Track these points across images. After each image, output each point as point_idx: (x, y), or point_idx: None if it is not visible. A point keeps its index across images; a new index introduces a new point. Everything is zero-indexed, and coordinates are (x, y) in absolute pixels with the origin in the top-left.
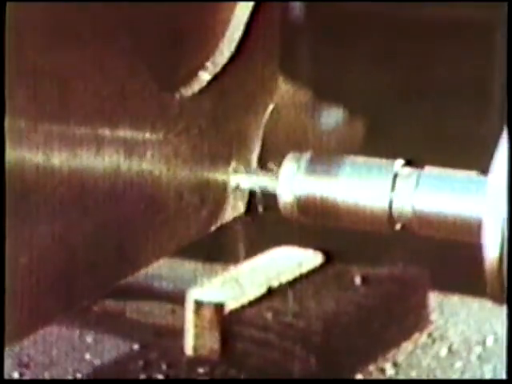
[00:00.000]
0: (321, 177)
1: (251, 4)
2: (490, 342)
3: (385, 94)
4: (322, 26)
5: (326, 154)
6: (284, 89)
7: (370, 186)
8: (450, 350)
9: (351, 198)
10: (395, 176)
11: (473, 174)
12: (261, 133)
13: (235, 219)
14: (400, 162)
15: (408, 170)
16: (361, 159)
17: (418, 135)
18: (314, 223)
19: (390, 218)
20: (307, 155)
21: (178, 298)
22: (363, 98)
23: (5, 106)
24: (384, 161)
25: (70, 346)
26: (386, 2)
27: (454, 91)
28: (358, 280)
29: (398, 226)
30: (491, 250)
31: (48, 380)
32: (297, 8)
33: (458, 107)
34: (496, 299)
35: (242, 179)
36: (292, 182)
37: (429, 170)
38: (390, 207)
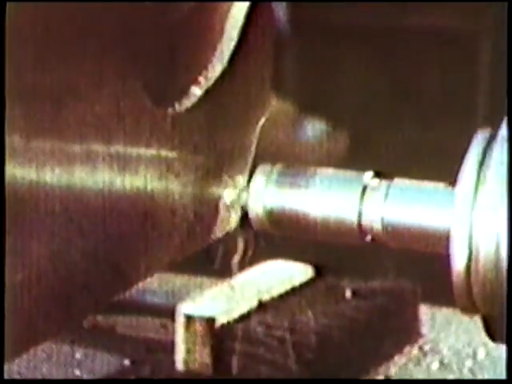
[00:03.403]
0: (291, 189)
1: (242, 18)
2: (481, 354)
3: (369, 106)
4: (306, 39)
5: (297, 166)
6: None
7: (339, 198)
8: (441, 363)
9: (321, 210)
10: (364, 188)
11: (441, 186)
12: (253, 147)
13: (227, 233)
14: (369, 174)
15: (377, 181)
16: (331, 171)
17: (402, 147)
18: (284, 235)
19: (360, 229)
20: (278, 168)
21: (169, 313)
22: (347, 110)
23: (5, 107)
24: (354, 173)
25: (60, 361)
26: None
27: (439, 102)
28: (348, 294)
29: (368, 238)
30: (458, 260)
31: (48, 380)
32: (281, 21)
33: (442, 118)
34: (464, 309)
35: (234, 194)
36: (263, 194)
37: (398, 181)
38: (360, 219)
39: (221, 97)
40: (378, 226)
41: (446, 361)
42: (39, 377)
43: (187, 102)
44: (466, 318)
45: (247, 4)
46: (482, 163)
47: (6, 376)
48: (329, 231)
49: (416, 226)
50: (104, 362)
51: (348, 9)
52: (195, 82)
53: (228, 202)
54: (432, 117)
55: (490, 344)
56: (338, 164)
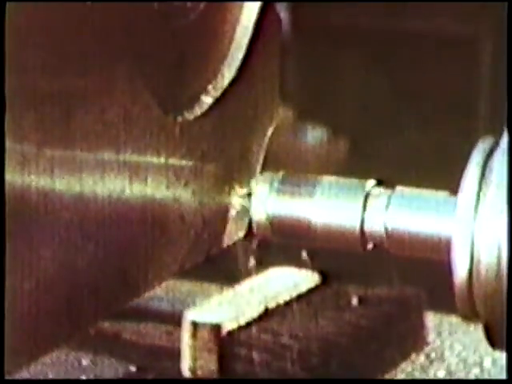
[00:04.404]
0: (293, 197)
1: (251, 26)
2: (487, 362)
3: (370, 110)
4: (307, 42)
5: (301, 173)
6: None
7: (341, 206)
8: (447, 371)
9: (323, 217)
10: (366, 196)
11: (443, 194)
12: (262, 155)
13: (235, 241)
14: (371, 182)
15: (379, 190)
16: (333, 179)
17: (403, 150)
18: (287, 243)
19: (362, 237)
20: (280, 175)
21: (174, 319)
22: (348, 113)
23: (5, 106)
24: (356, 181)
25: (66, 368)
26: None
27: (440, 105)
28: (354, 301)
29: (370, 246)
30: (460, 268)
31: (48, 380)
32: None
33: (444, 121)
34: (466, 317)
35: (242, 201)
36: (265, 202)
37: (399, 190)
38: (362, 227)
39: (229, 105)
40: (380, 234)
41: (452, 369)
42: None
43: (196, 110)
44: (472, 326)
45: (256, 11)
46: (483, 171)
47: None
48: (331, 239)
49: (418, 233)
50: (110, 369)
51: (349, 12)
52: (204, 90)
53: (236, 210)
54: (433, 120)
55: (497, 353)
56: (340, 168)
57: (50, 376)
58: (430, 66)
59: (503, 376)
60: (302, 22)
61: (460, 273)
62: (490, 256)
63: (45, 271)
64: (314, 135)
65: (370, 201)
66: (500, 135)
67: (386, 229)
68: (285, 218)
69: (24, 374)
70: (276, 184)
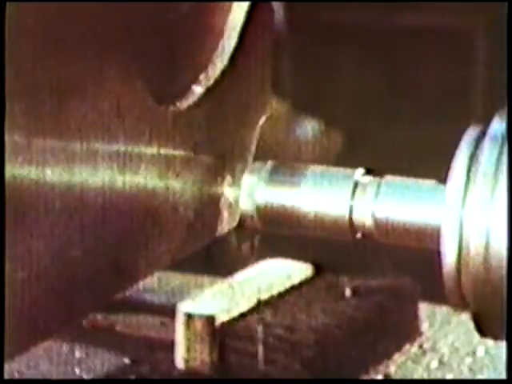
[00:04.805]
0: (282, 186)
1: (243, 18)
2: (480, 352)
3: (366, 105)
4: (303, 38)
5: (288, 163)
6: None
7: (330, 195)
8: (440, 361)
9: (312, 206)
10: (355, 185)
11: (431, 183)
12: (254, 145)
13: (228, 232)
14: (360, 170)
15: (368, 178)
16: (322, 168)
17: (398, 145)
18: (276, 232)
19: (351, 226)
20: (269, 165)
21: (168, 311)
22: (344, 108)
23: (5, 106)
24: (345, 169)
25: (60, 360)
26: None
27: (435, 100)
28: (348, 292)
29: (359, 235)
30: (449, 256)
31: (47, 380)
32: (279, 20)
33: (439, 116)
34: (455, 305)
35: (235, 192)
36: (253, 191)
37: (388, 178)
38: (351, 215)
39: (221, 95)
40: (369, 223)
41: (445, 359)
42: (39, 375)
43: (188, 101)
44: (465, 316)
45: (247, 3)
46: (472, 159)
47: (5, 375)
48: (320, 228)
49: (407, 222)
50: (104, 361)
51: (345, 8)
52: (196, 80)
53: (229, 201)
54: (428, 114)
55: (490, 342)
56: (335, 162)
57: (44, 367)
58: (425, 60)
59: (496, 366)
60: (299, 17)
61: (449, 261)
62: (478, 244)
63: (37, 261)
64: (310, 129)
65: (359, 189)
66: (489, 124)
67: (374, 217)
68: (274, 208)
69: (17, 365)
70: (265, 173)
